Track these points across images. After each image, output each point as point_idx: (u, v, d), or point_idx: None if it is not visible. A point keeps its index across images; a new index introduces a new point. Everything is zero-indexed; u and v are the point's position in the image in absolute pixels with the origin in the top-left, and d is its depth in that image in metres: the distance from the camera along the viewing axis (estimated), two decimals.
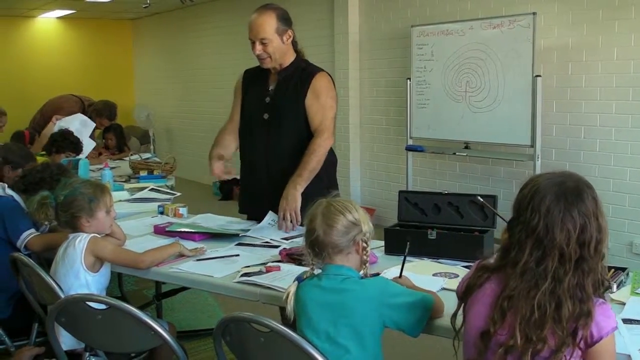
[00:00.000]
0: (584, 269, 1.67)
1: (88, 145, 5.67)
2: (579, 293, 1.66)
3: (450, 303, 2.18)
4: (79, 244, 2.71)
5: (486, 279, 1.79)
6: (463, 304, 1.87)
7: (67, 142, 5.20)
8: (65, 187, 2.77)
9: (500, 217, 2.16)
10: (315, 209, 2.12)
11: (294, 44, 3.38)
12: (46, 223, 2.95)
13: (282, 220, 3.22)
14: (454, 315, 1.91)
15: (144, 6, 8.95)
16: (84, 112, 6.87)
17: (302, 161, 3.23)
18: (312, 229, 2.09)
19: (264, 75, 3.42)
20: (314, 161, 3.23)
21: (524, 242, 1.70)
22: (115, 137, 6.94)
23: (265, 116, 3.36)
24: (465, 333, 1.85)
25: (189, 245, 3.03)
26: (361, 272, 2.13)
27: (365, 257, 2.12)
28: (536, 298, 1.66)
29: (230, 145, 3.54)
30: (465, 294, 1.85)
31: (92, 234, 2.76)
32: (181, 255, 2.88)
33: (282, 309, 3.06)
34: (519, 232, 1.72)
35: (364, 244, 2.11)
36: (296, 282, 2.14)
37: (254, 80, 3.47)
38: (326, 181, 3.37)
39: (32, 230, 3.13)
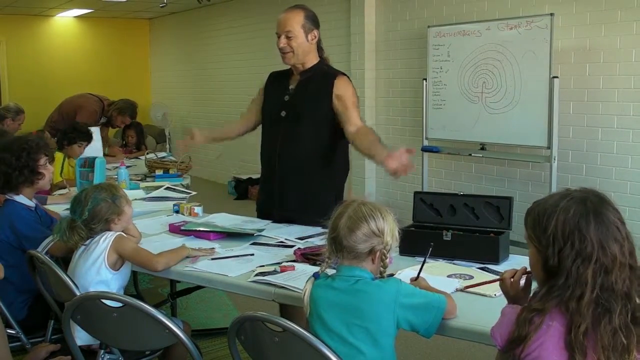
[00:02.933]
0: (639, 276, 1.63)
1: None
2: None
3: (464, 304, 2.18)
4: (104, 242, 2.76)
5: (540, 324, 1.64)
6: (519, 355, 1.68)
7: (77, 132, 5.26)
8: (82, 204, 2.79)
9: None
10: (345, 207, 2.12)
11: (320, 49, 3.44)
12: (82, 244, 2.83)
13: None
14: None
15: (161, 6, 9.00)
16: (103, 112, 6.97)
17: (372, 139, 3.18)
18: (335, 226, 2.09)
19: (286, 75, 3.48)
20: (376, 134, 3.27)
21: (582, 273, 1.61)
22: (136, 135, 7.15)
23: (283, 113, 3.41)
24: None
25: (203, 244, 3.06)
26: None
27: (382, 267, 2.12)
28: (613, 322, 1.58)
29: (230, 131, 3.75)
30: (514, 344, 1.68)
31: (118, 232, 2.81)
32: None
33: (282, 306, 3.09)
34: (573, 264, 1.62)
35: (383, 255, 2.10)
36: (312, 278, 2.15)
37: (277, 80, 3.54)
38: (336, 189, 3.45)
39: (51, 237, 3.11)
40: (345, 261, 2.10)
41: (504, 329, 1.73)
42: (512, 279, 1.94)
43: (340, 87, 3.33)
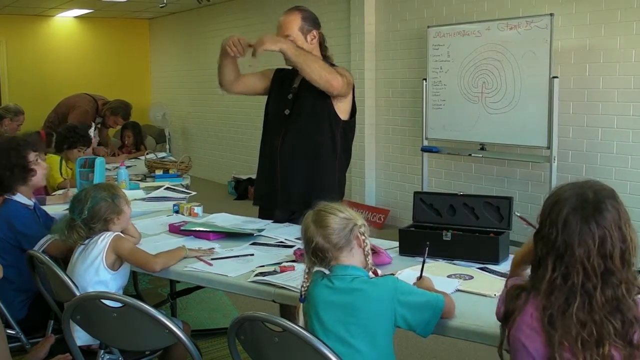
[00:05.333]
0: (613, 282, 1.60)
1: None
2: (617, 304, 1.59)
3: (464, 304, 2.18)
4: (102, 242, 2.76)
5: (525, 301, 1.69)
6: (508, 330, 1.74)
7: (77, 136, 5.24)
8: (82, 202, 2.79)
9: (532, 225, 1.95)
10: (306, 219, 2.14)
11: (323, 48, 3.47)
12: (81, 243, 2.84)
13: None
14: (501, 345, 1.79)
15: (160, 6, 9.00)
16: (97, 111, 6.97)
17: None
18: (309, 239, 2.11)
19: (291, 74, 3.49)
20: (313, 57, 3.27)
21: (545, 258, 1.64)
22: (133, 135, 7.10)
23: (286, 112, 3.43)
24: None
25: (203, 244, 3.06)
26: (370, 273, 2.13)
27: (366, 249, 2.13)
28: (574, 316, 1.58)
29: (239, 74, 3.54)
30: (506, 318, 1.74)
31: (116, 233, 2.81)
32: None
33: (282, 306, 3.09)
34: (541, 248, 1.66)
35: (363, 237, 2.12)
36: (300, 303, 2.16)
37: (282, 77, 3.54)
38: (338, 182, 3.47)
39: (48, 235, 3.12)
40: (334, 261, 2.10)
41: (500, 301, 1.79)
42: None
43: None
